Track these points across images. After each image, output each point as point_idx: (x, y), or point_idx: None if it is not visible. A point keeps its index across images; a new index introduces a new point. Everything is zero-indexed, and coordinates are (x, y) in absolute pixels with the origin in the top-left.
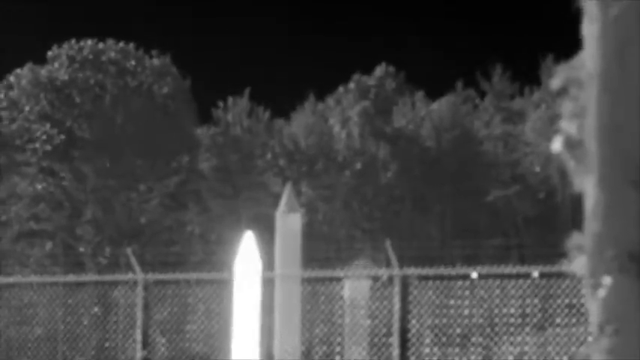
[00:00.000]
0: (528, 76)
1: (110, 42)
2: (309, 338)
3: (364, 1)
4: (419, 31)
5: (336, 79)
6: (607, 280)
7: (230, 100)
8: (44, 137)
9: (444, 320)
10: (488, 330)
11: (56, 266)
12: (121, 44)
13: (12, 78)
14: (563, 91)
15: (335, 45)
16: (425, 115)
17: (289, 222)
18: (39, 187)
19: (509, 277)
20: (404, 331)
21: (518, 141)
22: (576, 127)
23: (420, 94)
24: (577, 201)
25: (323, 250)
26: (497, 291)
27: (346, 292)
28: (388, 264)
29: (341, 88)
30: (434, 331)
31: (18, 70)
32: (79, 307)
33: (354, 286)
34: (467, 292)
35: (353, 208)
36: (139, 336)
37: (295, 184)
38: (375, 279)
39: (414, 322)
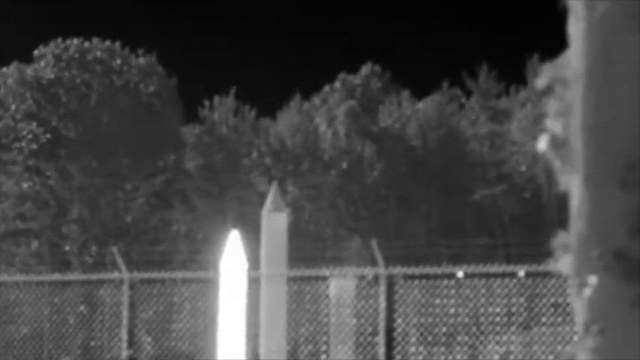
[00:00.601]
0: (514, 76)
1: (96, 41)
2: (294, 337)
3: (350, 1)
4: (405, 30)
5: (322, 78)
6: (592, 279)
7: (216, 99)
8: (30, 136)
9: (430, 319)
10: (474, 329)
11: (42, 265)
12: (107, 43)
13: None
14: (548, 90)
15: (321, 44)
16: (411, 114)
17: (275, 221)
18: (25, 185)
19: (495, 276)
20: (390, 330)
21: (504, 140)
22: (562, 126)
23: (405, 94)
24: (563, 200)
25: (309, 249)
26: (483, 290)
27: (332, 291)
28: (374, 263)
29: (327, 88)
30: (420, 330)
31: (4, 69)
32: (65, 306)
33: (340, 285)
34: (452, 291)
35: (339, 208)
36: (124, 335)
37: (281, 183)
38: (361, 278)
39: (399, 321)
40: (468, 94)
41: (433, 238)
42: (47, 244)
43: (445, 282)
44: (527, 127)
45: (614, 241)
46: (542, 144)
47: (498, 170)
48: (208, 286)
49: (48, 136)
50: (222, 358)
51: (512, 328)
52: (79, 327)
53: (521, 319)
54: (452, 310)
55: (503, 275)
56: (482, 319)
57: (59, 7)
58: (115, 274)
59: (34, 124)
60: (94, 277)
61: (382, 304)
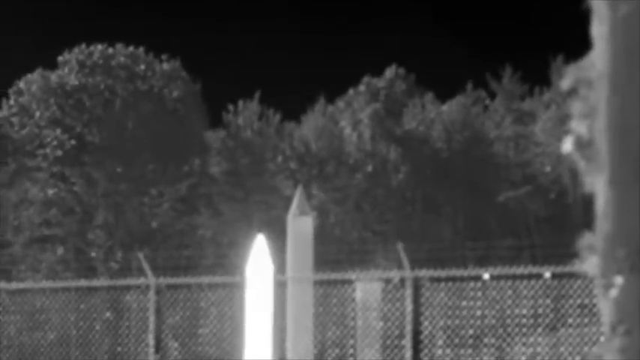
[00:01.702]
0: (538, 77)
1: (120, 46)
2: (321, 341)
3: (373, 3)
4: (428, 32)
5: (347, 81)
6: (619, 280)
7: (240, 103)
8: (55, 142)
9: (457, 321)
10: (500, 331)
11: (68, 271)
12: (131, 49)
13: (22, 84)
14: (573, 92)
15: (345, 47)
16: (435, 116)
17: (301, 225)
18: (50, 192)
19: (521, 277)
20: (416, 333)
21: (529, 141)
22: (586, 127)
23: (430, 96)
24: (588, 201)
25: (335, 252)
26: (510, 292)
27: (358, 295)
28: (400, 266)
29: (351, 91)
30: (446, 332)
31: (28, 76)
32: (92, 312)
33: (366, 288)
34: (479, 294)
35: (364, 211)
36: (151, 340)
37: (306, 187)
38: (387, 281)
39: (426, 323)
40: (492, 95)
41: (459, 241)
42: (73, 250)
43: (471, 284)
44: (551, 128)
45: None
46: (567, 145)
47: (523, 172)
48: (234, 290)
49: (73, 142)
50: None
51: (539, 330)
52: (105, 333)
53: (547, 321)
54: (478, 312)
55: (530, 277)
56: (508, 320)
57: (83, 13)
58: (142, 280)
59: (58, 131)
60: (120, 282)
61: (409, 307)
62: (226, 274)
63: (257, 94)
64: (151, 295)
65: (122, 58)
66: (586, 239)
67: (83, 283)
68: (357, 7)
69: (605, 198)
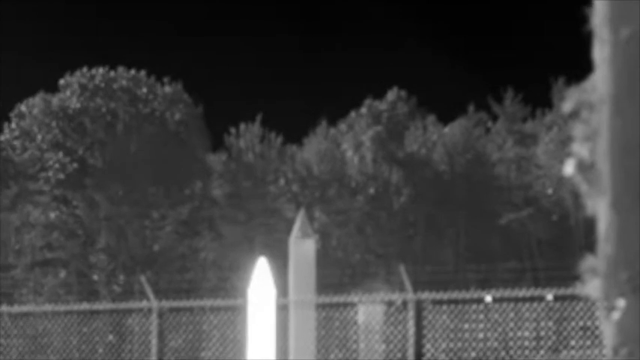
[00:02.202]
0: (540, 99)
1: (121, 69)
2: None
3: (375, 27)
4: (430, 55)
5: (348, 104)
6: (621, 303)
7: (242, 126)
8: (57, 166)
9: (459, 344)
10: (503, 353)
11: (70, 294)
12: (133, 72)
13: (24, 107)
14: (574, 114)
15: (346, 70)
16: (437, 139)
17: (303, 248)
18: (52, 215)
19: (524, 300)
20: (419, 356)
21: (531, 164)
22: (588, 150)
23: (432, 118)
24: (590, 223)
25: (337, 275)
26: (512, 314)
27: (360, 318)
28: (402, 288)
29: (353, 113)
30: (449, 355)
31: (30, 99)
32: (94, 336)
33: (369, 311)
34: (481, 316)
35: (366, 233)
36: None
37: (308, 210)
38: (390, 304)
39: (428, 346)
40: (494, 118)
41: (461, 263)
42: (75, 273)
43: (474, 307)
44: (553, 150)
45: None
46: (569, 168)
47: (525, 194)
48: (237, 313)
49: (74, 165)
50: None
51: (542, 352)
52: (108, 356)
53: (550, 343)
54: (481, 335)
55: (532, 299)
56: (511, 343)
57: (84, 37)
58: (144, 303)
59: (60, 154)
60: (123, 306)
61: (411, 329)
62: (228, 297)
63: (259, 117)
64: (154, 318)
65: (124, 82)
66: (588, 262)
67: (85, 306)
68: (358, 30)
69: (607, 221)
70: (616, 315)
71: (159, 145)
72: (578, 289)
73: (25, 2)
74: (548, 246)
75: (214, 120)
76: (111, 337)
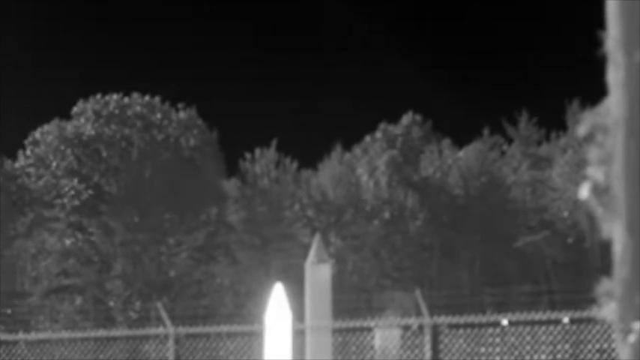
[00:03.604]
0: (554, 122)
1: (135, 96)
2: None
3: (389, 51)
4: (444, 79)
5: (363, 128)
6: (637, 326)
7: (257, 151)
8: (72, 192)
9: None
10: None
11: (87, 321)
12: (147, 98)
13: (38, 134)
14: (589, 138)
15: (361, 94)
16: (452, 162)
17: (319, 273)
18: (68, 242)
19: (540, 323)
20: None
21: (546, 186)
22: (603, 173)
23: (446, 142)
24: (606, 246)
25: (353, 300)
26: (528, 337)
27: (377, 342)
28: (418, 313)
29: (368, 138)
30: None
31: (44, 126)
32: None
33: (385, 335)
34: (498, 340)
35: (382, 258)
36: None
37: (324, 235)
38: (406, 328)
39: None
40: (509, 141)
41: (477, 287)
42: (91, 300)
43: (490, 330)
44: (568, 173)
45: None
46: (584, 192)
47: (541, 217)
48: (253, 339)
49: (90, 192)
50: None
51: None
52: None
53: None
54: (497, 359)
55: (548, 322)
56: None
57: (98, 64)
58: (160, 329)
59: (75, 181)
60: (139, 332)
61: (427, 353)
62: (245, 322)
63: (274, 142)
64: (170, 344)
65: (138, 108)
66: (604, 285)
67: (102, 333)
68: (373, 55)
69: (622, 244)
70: (632, 338)
71: (174, 171)
72: (595, 312)
73: (39, 30)
74: (563, 269)
75: (229, 145)
76: None
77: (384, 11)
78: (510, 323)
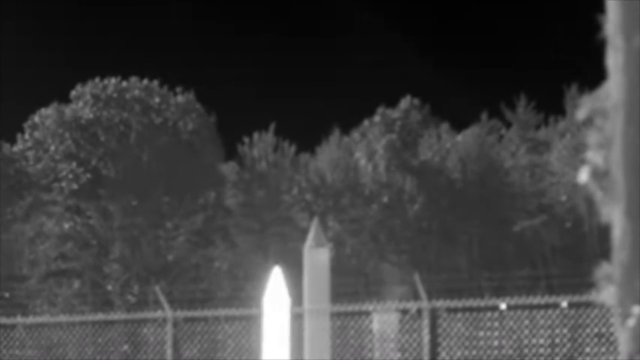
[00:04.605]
0: (553, 106)
1: (134, 80)
2: None
3: (387, 35)
4: (443, 63)
5: (361, 112)
6: (636, 310)
7: (255, 135)
8: (70, 176)
9: (474, 352)
10: None
11: (84, 305)
12: (145, 81)
13: (36, 118)
14: (588, 122)
15: (359, 78)
16: (451, 146)
17: (317, 256)
18: (66, 226)
19: (538, 307)
20: None
21: (544, 171)
22: (602, 157)
23: (445, 126)
24: (605, 230)
25: (351, 284)
26: (527, 322)
27: (375, 326)
28: (417, 297)
29: (366, 122)
30: None
31: (42, 110)
32: (109, 346)
33: (383, 319)
34: (496, 324)
35: (380, 242)
36: None
37: (322, 219)
38: (404, 312)
39: (443, 354)
40: (507, 125)
41: (475, 271)
42: (89, 283)
43: (488, 314)
44: (566, 157)
45: None
46: (583, 176)
47: (539, 201)
48: (251, 323)
49: (88, 175)
50: None
51: (557, 359)
52: None
53: (565, 350)
54: (495, 343)
55: (546, 306)
56: (526, 350)
57: (96, 47)
58: (158, 313)
59: (73, 164)
60: (137, 316)
61: (426, 337)
62: (243, 306)
63: (272, 126)
64: (169, 328)
65: (136, 92)
66: (603, 269)
67: (100, 316)
68: (371, 39)
69: (621, 228)
70: (631, 322)
71: (172, 154)
72: (593, 296)
73: (38, 14)
74: (562, 253)
75: (227, 129)
76: (126, 347)
77: None
78: (508, 307)
